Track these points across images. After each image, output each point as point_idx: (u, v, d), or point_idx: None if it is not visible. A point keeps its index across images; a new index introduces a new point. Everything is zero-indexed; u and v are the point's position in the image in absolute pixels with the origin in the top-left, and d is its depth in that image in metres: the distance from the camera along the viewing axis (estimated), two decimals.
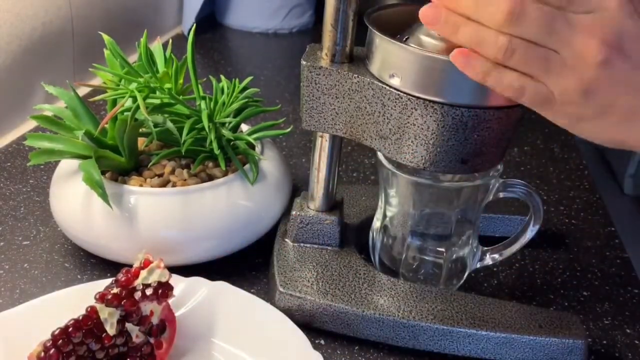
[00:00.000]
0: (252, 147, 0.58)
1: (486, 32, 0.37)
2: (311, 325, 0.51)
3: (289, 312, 0.50)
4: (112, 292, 0.43)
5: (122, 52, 0.54)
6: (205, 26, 1.15)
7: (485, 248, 0.55)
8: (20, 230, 0.60)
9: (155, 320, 0.45)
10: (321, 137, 0.51)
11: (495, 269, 0.59)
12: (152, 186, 0.53)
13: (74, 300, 0.47)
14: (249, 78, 0.59)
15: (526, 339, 0.48)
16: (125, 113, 0.52)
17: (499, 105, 0.43)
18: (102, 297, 0.43)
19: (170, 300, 0.46)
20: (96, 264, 0.56)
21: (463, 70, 0.39)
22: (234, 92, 0.57)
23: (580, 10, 0.36)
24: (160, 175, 0.55)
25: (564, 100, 0.37)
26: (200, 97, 0.55)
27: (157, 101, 0.53)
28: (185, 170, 0.55)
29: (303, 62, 0.48)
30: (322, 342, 0.51)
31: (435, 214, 0.53)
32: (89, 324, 0.43)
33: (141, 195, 0.52)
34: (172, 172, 0.56)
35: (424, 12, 0.38)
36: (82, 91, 0.80)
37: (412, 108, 0.44)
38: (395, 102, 0.45)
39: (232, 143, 0.57)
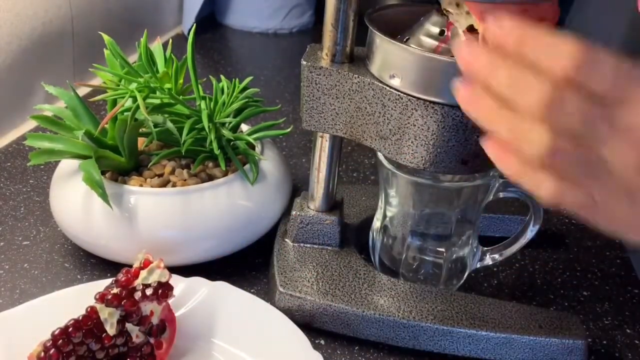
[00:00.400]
0: (252, 147, 0.58)
1: (524, 127, 0.31)
2: (311, 325, 0.51)
3: (289, 312, 0.50)
4: (112, 292, 0.43)
5: (122, 52, 0.54)
6: (205, 26, 1.15)
7: (485, 248, 0.55)
8: (20, 230, 0.60)
9: (155, 320, 0.45)
10: (321, 137, 0.51)
11: (495, 269, 0.59)
12: (152, 186, 0.53)
13: (74, 300, 0.47)
14: (249, 78, 0.59)
15: (526, 339, 0.48)
16: (125, 113, 0.52)
17: None
18: (102, 297, 0.43)
19: (170, 300, 0.46)
20: (96, 264, 0.56)
21: (496, 163, 0.34)
22: (234, 92, 0.57)
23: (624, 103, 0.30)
24: (160, 175, 0.55)
25: (605, 205, 0.32)
26: (200, 97, 0.55)
27: (157, 101, 0.53)
28: (185, 170, 0.55)
29: (303, 62, 0.48)
30: (322, 342, 0.51)
31: (435, 214, 0.53)
32: (89, 324, 0.43)
33: (141, 195, 0.52)
34: (172, 172, 0.56)
35: (459, 91, 0.34)
36: (82, 91, 0.80)
37: (412, 109, 0.44)
38: (396, 102, 0.45)
39: (232, 143, 0.57)
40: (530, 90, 0.30)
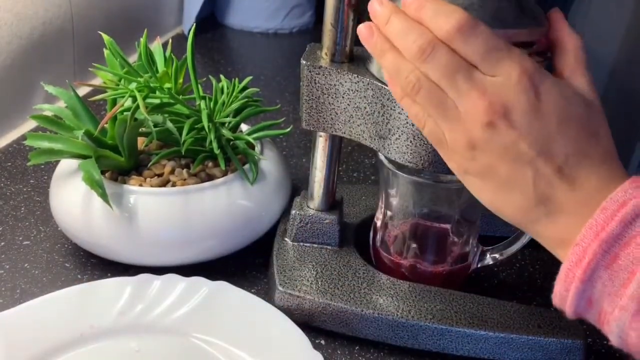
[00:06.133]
0: (252, 147, 0.58)
1: (403, 64, 0.40)
2: (310, 324, 0.51)
3: (288, 311, 0.50)
4: None
5: (122, 51, 0.54)
6: (206, 26, 1.15)
7: (486, 248, 0.55)
8: (21, 230, 0.60)
9: None
10: (321, 136, 0.52)
11: (495, 269, 0.59)
12: (151, 186, 0.53)
13: (74, 300, 0.47)
14: (249, 78, 0.59)
15: (525, 338, 0.48)
16: (125, 113, 0.52)
17: None
18: None
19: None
20: (96, 264, 0.56)
21: (363, 42, 0.42)
22: (234, 92, 0.57)
23: (488, 71, 0.38)
24: (160, 175, 0.55)
25: (453, 147, 0.40)
26: (200, 97, 0.55)
27: (157, 101, 0.53)
28: (185, 170, 0.55)
29: (303, 62, 0.48)
30: (322, 342, 0.51)
31: (435, 214, 0.53)
32: None
33: (141, 195, 0.52)
34: (172, 171, 0.56)
35: (360, 29, 0.42)
36: (82, 91, 0.80)
37: None
38: (395, 101, 0.45)
39: (231, 143, 0.57)
40: (413, 39, 0.38)
